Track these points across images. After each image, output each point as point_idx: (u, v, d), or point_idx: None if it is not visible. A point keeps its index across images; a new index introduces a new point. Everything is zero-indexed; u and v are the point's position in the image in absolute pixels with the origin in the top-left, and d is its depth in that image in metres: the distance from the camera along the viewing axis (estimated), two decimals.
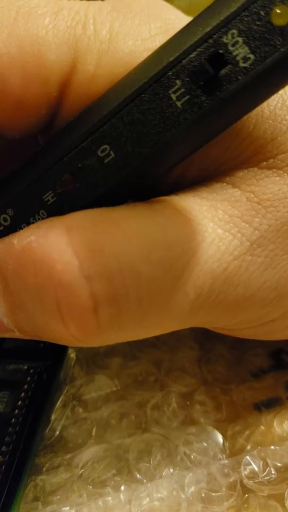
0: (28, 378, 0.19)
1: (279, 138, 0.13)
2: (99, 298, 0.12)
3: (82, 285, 0.12)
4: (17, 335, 0.14)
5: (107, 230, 0.12)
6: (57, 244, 0.12)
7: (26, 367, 0.19)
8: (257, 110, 0.13)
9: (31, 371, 0.19)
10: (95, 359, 0.21)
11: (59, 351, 0.20)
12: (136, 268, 0.12)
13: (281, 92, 0.14)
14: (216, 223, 0.13)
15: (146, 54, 0.12)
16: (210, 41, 0.11)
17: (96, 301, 0.12)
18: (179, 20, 0.14)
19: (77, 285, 0.12)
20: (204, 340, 0.21)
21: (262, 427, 0.18)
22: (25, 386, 0.19)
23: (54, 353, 0.20)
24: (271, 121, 0.13)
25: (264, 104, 0.13)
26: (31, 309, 0.13)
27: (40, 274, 0.12)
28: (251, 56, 0.11)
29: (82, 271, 0.12)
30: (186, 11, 0.16)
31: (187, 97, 0.11)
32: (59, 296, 0.12)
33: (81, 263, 0.12)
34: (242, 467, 0.17)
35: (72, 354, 0.21)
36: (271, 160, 0.14)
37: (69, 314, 0.12)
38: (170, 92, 0.11)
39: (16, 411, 0.18)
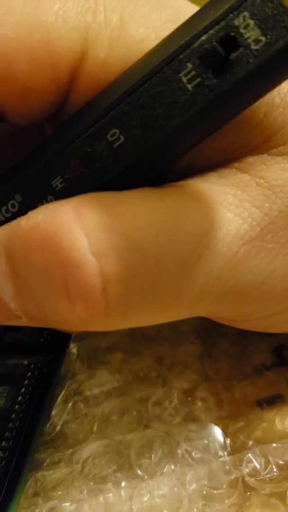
0: (29, 373, 0.19)
1: None
2: (107, 276, 0.11)
3: (90, 262, 0.11)
4: (24, 321, 0.13)
5: (116, 209, 0.12)
6: (65, 222, 0.11)
7: (26, 362, 0.19)
8: (268, 98, 0.13)
9: (32, 366, 0.19)
10: (96, 354, 0.20)
11: (60, 346, 0.20)
12: (145, 247, 0.12)
13: None
14: (226, 207, 0.13)
15: (156, 41, 0.12)
16: (222, 23, 0.11)
17: (104, 279, 0.11)
18: (189, 8, 0.14)
19: (85, 262, 0.11)
20: (206, 335, 0.21)
21: (264, 424, 0.18)
22: (26, 381, 0.18)
23: (55, 348, 0.19)
24: (281, 109, 0.13)
25: (275, 91, 0.13)
26: (38, 290, 0.12)
27: (47, 252, 0.12)
28: (263, 38, 0.10)
29: (90, 249, 0.11)
30: (197, 2, 0.16)
31: (198, 80, 0.11)
32: (66, 274, 0.12)
33: (89, 241, 0.11)
34: (243, 465, 0.17)
35: (73, 349, 0.21)
36: (281, 147, 0.13)
37: (76, 292, 0.12)
38: (181, 75, 0.11)
39: (16, 406, 0.18)
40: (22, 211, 0.13)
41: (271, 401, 0.19)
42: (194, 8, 0.14)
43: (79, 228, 0.11)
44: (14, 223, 0.12)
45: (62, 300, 0.12)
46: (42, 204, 0.13)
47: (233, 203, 0.13)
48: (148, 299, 0.12)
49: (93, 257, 0.11)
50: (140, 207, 0.12)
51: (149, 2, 0.13)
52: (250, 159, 0.14)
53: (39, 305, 0.13)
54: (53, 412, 0.19)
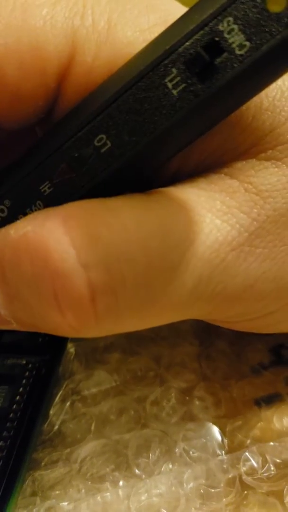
0: (27, 373, 0.19)
1: (278, 129, 0.13)
2: (96, 287, 0.12)
3: (79, 273, 0.11)
4: (14, 326, 0.14)
5: (104, 219, 0.12)
6: (54, 234, 0.12)
7: (24, 362, 0.19)
8: (256, 101, 0.13)
9: (30, 365, 0.19)
10: (94, 354, 0.21)
11: (58, 345, 0.20)
12: (133, 257, 0.12)
13: (279, 82, 0.13)
14: (214, 213, 0.13)
15: (144, 45, 0.12)
16: (206, 28, 0.11)
17: (93, 289, 0.12)
18: (178, 11, 0.14)
19: (74, 273, 0.11)
20: (204, 335, 0.21)
21: (262, 423, 0.18)
22: (24, 381, 0.18)
23: (53, 347, 0.20)
24: (270, 112, 0.13)
25: (263, 94, 0.13)
26: (28, 299, 0.12)
27: (37, 263, 0.12)
28: (247, 43, 0.10)
29: (79, 260, 0.11)
30: (187, 4, 0.16)
31: (183, 85, 0.11)
32: (56, 285, 0.12)
33: (78, 252, 0.11)
34: (241, 463, 0.17)
35: (71, 349, 0.21)
36: (270, 151, 0.13)
37: (66, 303, 0.12)
38: (166, 80, 0.11)
39: (14, 406, 0.18)
40: (11, 217, 0.13)
41: (269, 400, 0.19)
42: (184, 10, 0.14)
43: (67, 240, 0.11)
44: (3, 231, 0.13)
45: (52, 309, 0.12)
46: (31, 209, 0.13)
47: (221, 209, 0.13)
48: (137, 306, 0.12)
49: (82, 268, 0.11)
50: (129, 217, 0.12)
51: (138, 5, 0.13)
52: (239, 164, 0.14)
53: (29, 312, 0.13)
54: (51, 412, 0.19)
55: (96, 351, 0.21)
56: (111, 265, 0.12)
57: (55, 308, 0.12)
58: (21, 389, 0.18)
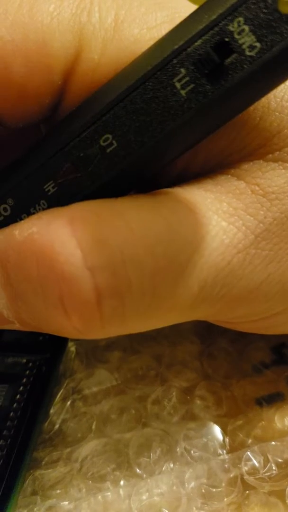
0: (27, 372, 0.19)
1: (286, 130, 0.13)
2: (102, 290, 0.12)
3: (85, 277, 0.11)
4: (17, 326, 0.13)
5: (110, 221, 0.12)
6: (60, 236, 0.11)
7: (25, 360, 0.19)
8: (264, 102, 0.13)
9: (30, 364, 0.19)
10: (95, 352, 0.20)
11: (59, 344, 0.20)
12: (140, 260, 0.12)
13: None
14: (220, 215, 0.13)
15: (151, 42, 0.12)
16: (216, 29, 0.11)
17: (99, 293, 0.12)
18: (186, 8, 0.14)
19: (80, 277, 0.11)
20: (205, 334, 0.21)
21: (263, 422, 0.18)
22: (24, 380, 0.18)
23: (54, 346, 0.19)
24: (277, 113, 0.13)
25: (271, 95, 0.13)
26: (33, 301, 0.12)
27: (43, 266, 0.12)
28: (257, 44, 0.10)
29: (85, 263, 0.11)
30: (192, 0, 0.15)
31: (192, 85, 0.11)
32: (62, 288, 0.12)
33: (84, 255, 0.11)
34: (242, 463, 0.17)
35: (72, 348, 0.21)
36: (277, 152, 0.13)
37: (72, 306, 0.12)
38: (174, 80, 0.11)
39: (15, 404, 0.18)
40: (14, 216, 0.13)
41: (270, 399, 0.19)
42: (192, 8, 0.13)
43: (74, 243, 0.11)
44: (7, 231, 0.12)
45: (58, 312, 0.12)
46: (35, 208, 0.13)
47: (227, 211, 0.13)
48: (143, 309, 0.12)
49: (88, 272, 0.11)
50: (135, 219, 0.12)
51: (145, 2, 0.13)
52: (246, 166, 0.14)
53: (33, 314, 0.13)
54: (52, 411, 0.19)
55: (97, 350, 0.21)
56: (118, 269, 0.12)
57: (61, 310, 0.12)
58: (21, 388, 0.18)
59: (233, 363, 0.20)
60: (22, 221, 0.12)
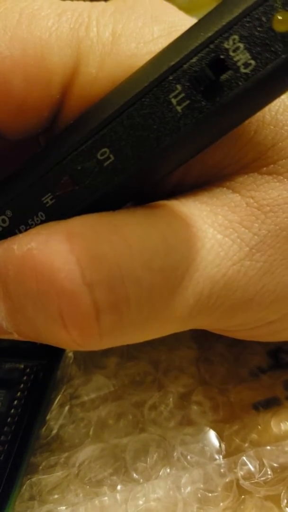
0: (25, 377, 0.19)
1: (280, 144, 0.13)
2: (101, 306, 0.12)
3: (84, 293, 0.12)
4: (15, 337, 0.14)
5: (108, 237, 0.12)
6: (59, 252, 0.12)
7: (22, 366, 0.19)
8: (259, 115, 0.13)
9: (28, 370, 0.19)
10: (92, 358, 0.21)
11: (56, 350, 0.20)
12: (137, 275, 0.12)
13: (283, 97, 0.14)
14: (216, 228, 0.13)
15: (148, 57, 0.12)
16: (212, 46, 0.11)
17: (98, 308, 0.12)
18: (183, 22, 0.14)
19: (79, 293, 0.12)
20: (202, 339, 0.21)
21: (259, 427, 0.18)
22: (21, 386, 0.18)
23: (51, 352, 0.20)
24: (272, 127, 0.13)
25: (266, 109, 0.13)
26: (32, 314, 0.13)
27: (42, 281, 0.12)
28: (252, 62, 0.10)
29: (84, 279, 0.12)
30: (187, 9, 0.16)
31: (188, 102, 0.11)
32: (61, 303, 0.12)
33: (83, 271, 0.12)
34: (238, 468, 0.17)
35: (69, 354, 0.21)
36: (272, 165, 0.14)
37: (71, 321, 0.12)
38: (170, 96, 0.11)
39: (12, 410, 0.18)
40: (13, 227, 0.13)
41: (267, 404, 0.19)
42: (188, 22, 0.14)
43: (73, 259, 0.12)
44: (6, 246, 0.13)
45: (57, 325, 0.12)
46: (33, 219, 0.13)
47: (223, 224, 0.13)
48: (140, 322, 0.13)
49: (87, 288, 0.12)
50: (132, 234, 0.12)
51: (142, 17, 0.13)
52: (241, 178, 0.14)
53: (33, 326, 0.13)
54: (49, 416, 0.19)
55: (94, 356, 0.21)
56: (115, 284, 0.12)
57: (60, 324, 0.12)
58: (19, 394, 0.18)
59: (230, 368, 0.20)
60: (21, 235, 0.13)
